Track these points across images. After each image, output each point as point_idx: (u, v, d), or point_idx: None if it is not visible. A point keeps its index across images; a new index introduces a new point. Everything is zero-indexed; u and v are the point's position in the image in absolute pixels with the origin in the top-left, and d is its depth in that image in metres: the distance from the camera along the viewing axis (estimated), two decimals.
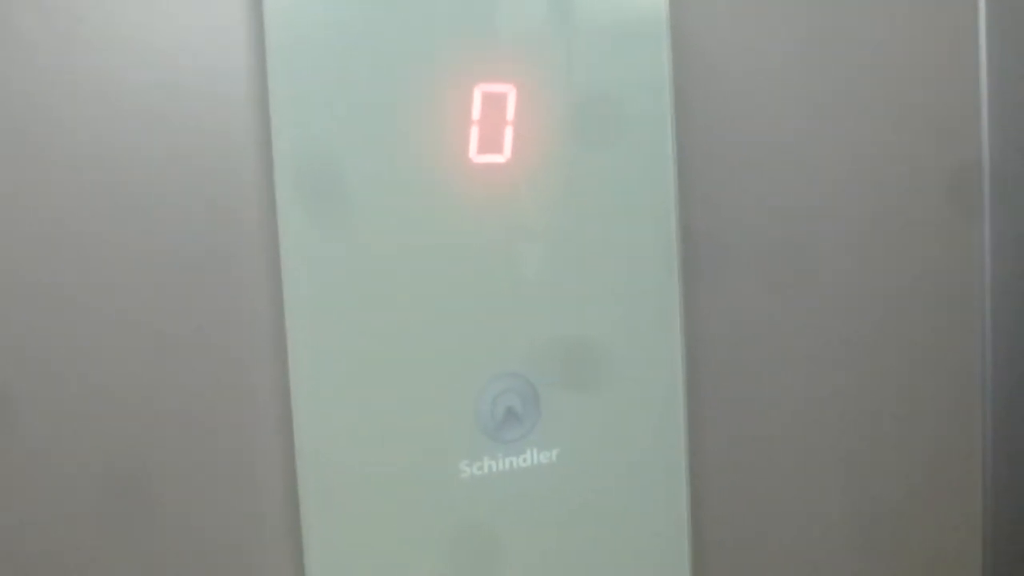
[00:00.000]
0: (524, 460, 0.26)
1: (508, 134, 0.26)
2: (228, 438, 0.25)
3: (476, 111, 0.25)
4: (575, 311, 0.26)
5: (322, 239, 0.24)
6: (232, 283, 0.25)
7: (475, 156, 0.25)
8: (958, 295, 0.34)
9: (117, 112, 0.23)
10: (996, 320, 0.34)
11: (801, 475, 0.32)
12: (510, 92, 0.26)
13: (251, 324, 0.25)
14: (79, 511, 0.24)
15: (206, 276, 0.24)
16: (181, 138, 0.24)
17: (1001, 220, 0.34)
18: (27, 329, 0.23)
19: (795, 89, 0.31)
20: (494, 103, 0.26)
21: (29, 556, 0.23)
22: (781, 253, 0.31)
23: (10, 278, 0.23)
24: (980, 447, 0.35)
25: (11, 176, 0.23)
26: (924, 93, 0.33)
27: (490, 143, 0.26)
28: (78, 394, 0.23)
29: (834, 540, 0.33)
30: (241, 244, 0.25)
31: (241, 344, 0.25)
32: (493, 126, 0.26)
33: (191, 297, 0.24)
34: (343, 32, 0.24)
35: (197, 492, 0.24)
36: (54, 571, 0.23)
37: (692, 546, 0.28)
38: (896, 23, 0.33)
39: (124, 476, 0.24)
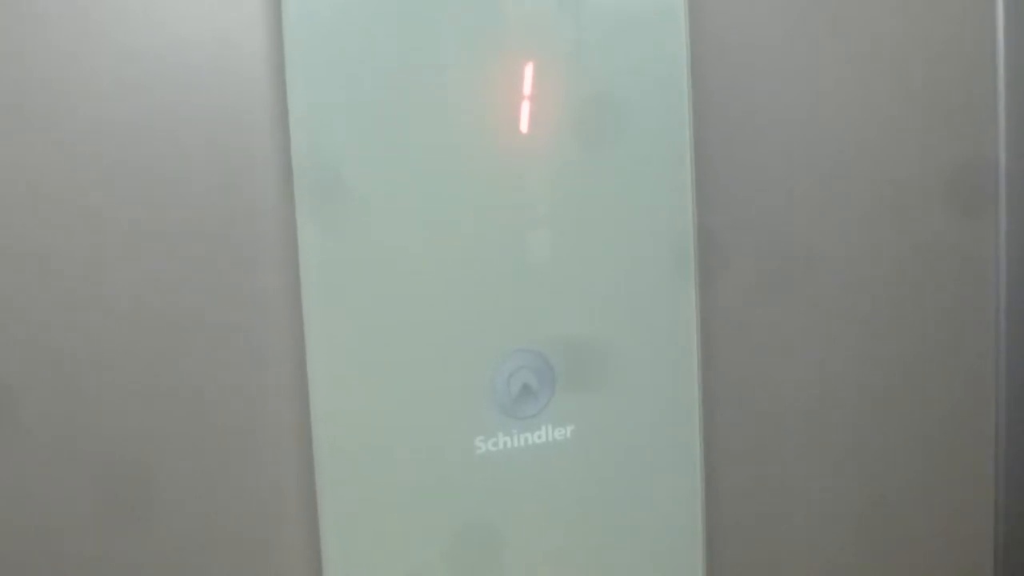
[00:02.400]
0: (539, 436, 0.26)
1: (524, 109, 0.26)
2: (245, 411, 0.25)
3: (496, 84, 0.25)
4: (591, 289, 0.26)
5: (339, 213, 0.24)
6: (248, 259, 0.24)
7: (495, 130, 0.25)
8: (972, 290, 0.34)
9: (134, 99, 0.23)
10: (1010, 315, 0.34)
11: (813, 460, 0.32)
12: (529, 67, 0.26)
13: (267, 300, 0.25)
14: (95, 497, 0.23)
15: (222, 250, 0.24)
16: (195, 116, 0.24)
17: (1016, 215, 0.34)
18: (43, 316, 0.23)
19: (812, 75, 0.31)
20: (514, 77, 0.25)
21: (50, 543, 0.23)
22: (795, 235, 0.31)
23: (27, 264, 0.23)
24: (993, 439, 0.35)
25: (28, 162, 0.22)
26: (943, 87, 0.33)
27: (508, 117, 0.25)
28: (93, 381, 0.23)
29: (846, 527, 0.33)
30: (257, 219, 0.24)
31: (257, 320, 0.25)
32: (512, 100, 0.25)
33: (206, 274, 0.24)
34: (363, 7, 0.24)
35: (212, 465, 0.24)
36: (74, 557, 0.23)
37: (705, 524, 0.28)
38: (916, 16, 0.32)
39: (139, 460, 0.24)
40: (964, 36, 0.33)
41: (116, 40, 0.23)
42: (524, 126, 0.26)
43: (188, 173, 0.24)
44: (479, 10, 0.25)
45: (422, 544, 0.25)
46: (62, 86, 0.23)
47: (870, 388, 0.33)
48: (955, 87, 0.33)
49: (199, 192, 0.24)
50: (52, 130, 0.23)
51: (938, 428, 0.34)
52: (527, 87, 0.26)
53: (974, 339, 0.34)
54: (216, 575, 0.25)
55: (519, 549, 0.26)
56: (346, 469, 0.24)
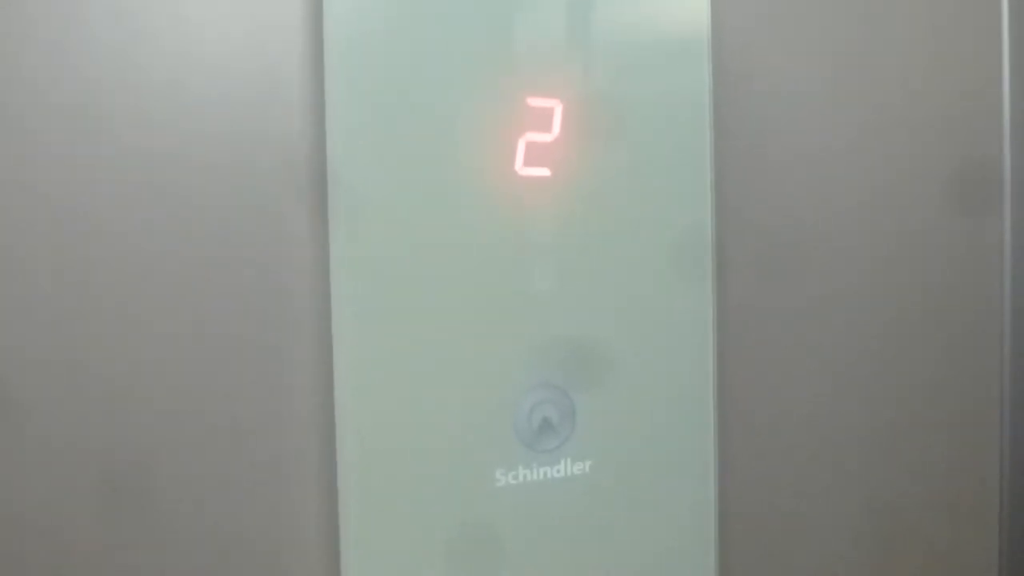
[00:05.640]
0: (558, 470, 0.26)
1: (553, 148, 0.26)
2: (271, 437, 0.25)
3: (524, 124, 0.26)
4: (612, 324, 0.27)
5: (370, 248, 0.24)
6: (279, 290, 0.25)
7: (521, 169, 0.26)
8: (979, 299, 0.35)
9: (171, 122, 0.24)
10: (1015, 321, 0.35)
11: (829, 487, 0.32)
12: (557, 107, 0.26)
13: (298, 329, 0.25)
14: (119, 505, 0.24)
15: (255, 282, 0.25)
16: (234, 138, 0.24)
17: (1022, 221, 0.35)
18: (78, 329, 0.23)
19: (829, 103, 0.32)
20: (541, 117, 0.26)
21: (68, 552, 0.24)
22: (813, 263, 0.32)
23: (58, 277, 0.23)
24: (998, 447, 0.35)
25: (62, 175, 0.23)
26: (951, 105, 0.34)
27: (536, 157, 0.26)
28: (123, 392, 0.24)
29: (857, 549, 0.33)
30: (290, 252, 0.25)
31: (287, 346, 0.25)
32: (539, 139, 0.26)
33: (238, 304, 0.25)
34: (400, 40, 0.24)
35: (236, 493, 0.25)
36: (92, 566, 0.24)
37: (719, 560, 0.28)
38: (924, 34, 0.33)
39: (162, 478, 0.24)
40: (972, 55, 0.34)
41: (153, 65, 0.24)
42: (548, 162, 0.26)
43: (222, 194, 0.24)
44: (507, 46, 0.25)
45: (440, 573, 0.25)
46: (101, 109, 0.23)
47: (883, 404, 0.33)
48: (964, 107, 0.34)
49: (232, 208, 0.24)
50: (90, 154, 0.23)
51: (946, 429, 0.34)
52: (557, 119, 0.26)
53: (982, 346, 0.35)
54: None
55: None
56: (368, 496, 0.24)
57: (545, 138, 0.26)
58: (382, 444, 0.24)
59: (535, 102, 0.26)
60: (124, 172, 0.23)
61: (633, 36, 0.27)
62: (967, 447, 0.35)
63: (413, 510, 0.25)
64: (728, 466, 0.30)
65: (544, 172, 0.26)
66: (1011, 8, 0.35)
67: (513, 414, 0.26)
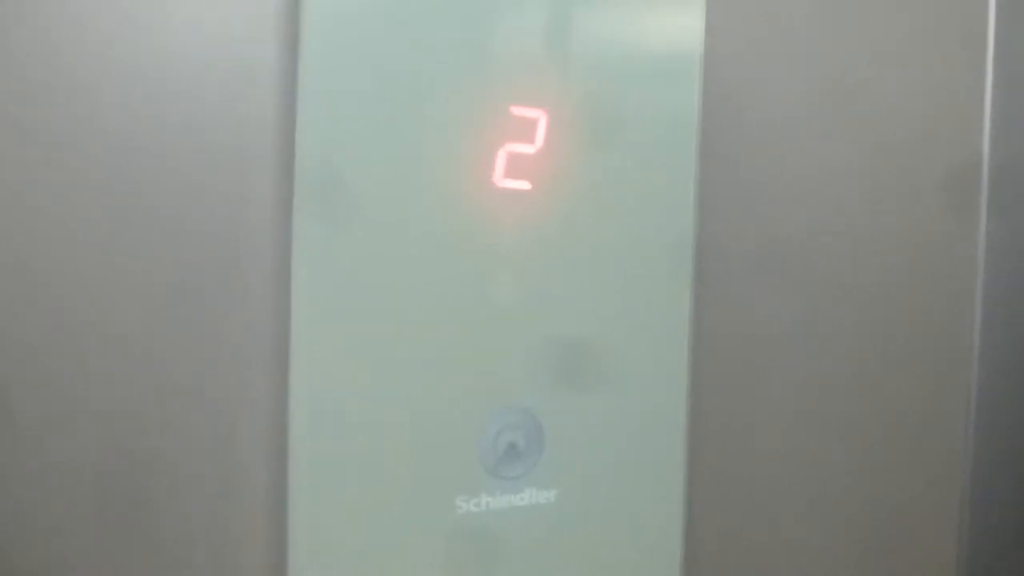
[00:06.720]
0: (522, 499, 0.25)
1: (535, 160, 0.25)
2: (219, 452, 0.23)
3: (506, 135, 0.24)
4: (587, 346, 0.26)
5: (334, 256, 0.23)
6: (238, 294, 0.23)
7: (499, 181, 0.24)
8: (953, 302, 0.34)
9: (140, 108, 0.22)
10: (985, 326, 0.35)
11: (803, 520, 0.32)
12: (541, 117, 0.25)
13: (253, 338, 0.23)
14: (79, 506, 0.22)
15: (213, 283, 0.23)
16: (201, 133, 0.23)
17: (998, 227, 0.35)
18: (31, 325, 0.21)
19: (817, 122, 0.31)
20: (524, 128, 0.25)
21: (28, 552, 0.22)
22: (795, 287, 0.31)
23: (17, 275, 0.21)
24: (962, 451, 0.35)
25: (23, 170, 0.21)
26: (942, 126, 0.34)
27: (517, 168, 0.25)
28: (78, 390, 0.22)
29: (830, 561, 0.33)
30: (252, 253, 0.23)
31: (241, 357, 0.23)
32: (521, 151, 0.25)
33: (195, 302, 0.23)
34: (378, 41, 0.23)
35: (186, 514, 0.23)
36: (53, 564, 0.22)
37: None
38: (915, 55, 0.33)
39: (115, 477, 0.22)
40: (963, 85, 0.34)
41: (123, 50, 0.22)
42: (529, 175, 0.25)
43: (185, 184, 0.23)
44: (492, 49, 0.24)
45: None
46: (62, 93, 0.21)
47: (855, 408, 0.33)
48: (955, 128, 0.34)
49: (193, 205, 0.23)
50: (51, 136, 0.21)
51: (914, 437, 0.34)
52: (541, 130, 0.25)
53: (953, 351, 0.35)
54: None
55: None
56: (320, 521, 0.23)
57: (527, 149, 0.25)
58: (337, 466, 0.23)
59: (519, 111, 0.25)
60: (89, 162, 0.22)
61: (625, 48, 0.26)
62: (933, 452, 0.34)
63: (369, 536, 0.23)
64: (697, 497, 0.29)
65: (524, 185, 0.25)
66: (997, 30, 0.35)
67: (478, 438, 0.25)
